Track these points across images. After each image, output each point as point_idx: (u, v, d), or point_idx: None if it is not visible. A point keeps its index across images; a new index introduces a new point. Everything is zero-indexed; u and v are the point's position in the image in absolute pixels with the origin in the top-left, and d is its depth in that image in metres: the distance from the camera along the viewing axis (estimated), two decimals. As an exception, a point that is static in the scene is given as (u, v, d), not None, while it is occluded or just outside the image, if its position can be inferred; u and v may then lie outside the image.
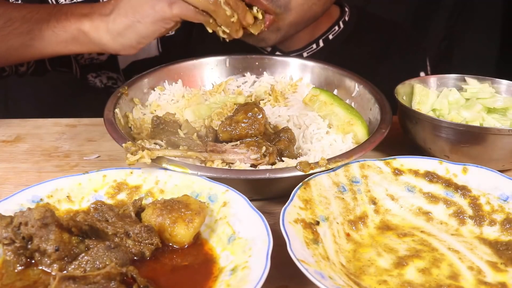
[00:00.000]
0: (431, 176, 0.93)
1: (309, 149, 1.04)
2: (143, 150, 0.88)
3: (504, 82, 1.18)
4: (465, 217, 0.89)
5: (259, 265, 0.69)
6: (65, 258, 0.73)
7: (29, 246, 0.74)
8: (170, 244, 0.79)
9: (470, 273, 0.77)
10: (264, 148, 0.97)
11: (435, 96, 1.16)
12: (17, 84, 2.21)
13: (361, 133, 1.06)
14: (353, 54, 1.50)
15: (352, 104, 1.19)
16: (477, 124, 1.08)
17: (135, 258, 0.76)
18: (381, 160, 0.95)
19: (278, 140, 1.02)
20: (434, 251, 0.82)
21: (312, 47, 1.47)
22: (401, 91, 1.15)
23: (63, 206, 0.86)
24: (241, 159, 0.96)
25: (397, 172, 0.94)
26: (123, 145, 0.90)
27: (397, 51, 1.57)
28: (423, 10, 2.86)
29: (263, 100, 1.21)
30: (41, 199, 0.85)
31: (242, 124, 1.00)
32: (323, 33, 1.48)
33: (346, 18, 1.52)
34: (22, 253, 0.74)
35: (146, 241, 0.76)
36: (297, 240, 0.75)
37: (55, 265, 0.72)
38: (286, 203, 0.81)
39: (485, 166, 0.92)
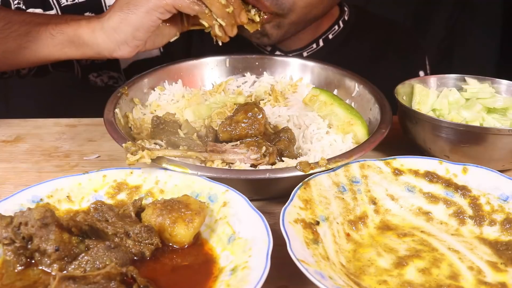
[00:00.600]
0: (431, 176, 0.93)
1: (309, 149, 1.04)
2: (143, 150, 0.88)
3: (504, 82, 1.18)
4: (465, 217, 0.89)
5: (259, 265, 0.69)
6: (65, 258, 0.73)
7: (29, 246, 0.74)
8: (170, 244, 0.79)
9: (470, 273, 0.77)
10: (264, 148, 0.97)
11: (435, 96, 1.16)
12: (17, 85, 2.22)
13: (361, 133, 1.06)
14: (352, 53, 1.50)
15: (352, 104, 1.19)
16: (477, 124, 1.08)
17: (135, 258, 0.76)
18: (381, 160, 0.95)
19: (278, 140, 1.02)
20: (434, 251, 0.82)
21: (312, 47, 1.47)
22: (401, 91, 1.15)
23: (63, 206, 0.86)
24: (241, 159, 0.96)
25: (397, 172, 0.94)
26: (123, 145, 0.90)
27: (396, 51, 1.57)
28: (423, 10, 2.86)
29: (263, 100, 1.21)
30: (41, 199, 0.85)
31: (242, 124, 1.00)
32: (323, 33, 1.48)
33: (346, 18, 1.52)
34: (22, 253, 0.74)
35: (146, 241, 0.76)
36: (297, 240, 0.75)
37: (55, 265, 0.72)
38: (286, 203, 0.81)
39: (485, 166, 0.92)
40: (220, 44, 1.16)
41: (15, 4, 1.32)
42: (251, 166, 0.97)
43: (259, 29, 1.22)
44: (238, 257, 0.74)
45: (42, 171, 1.07)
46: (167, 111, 1.12)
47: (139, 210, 0.83)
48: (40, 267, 0.73)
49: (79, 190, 0.88)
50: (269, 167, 0.97)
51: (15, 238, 0.73)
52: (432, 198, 0.92)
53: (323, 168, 0.89)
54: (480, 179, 0.91)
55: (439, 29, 2.91)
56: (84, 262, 0.71)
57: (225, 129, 1.01)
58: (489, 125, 1.07)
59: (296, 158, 1.00)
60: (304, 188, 0.86)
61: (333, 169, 0.91)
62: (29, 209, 0.75)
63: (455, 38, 2.96)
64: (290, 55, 1.44)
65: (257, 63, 1.34)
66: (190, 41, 1.47)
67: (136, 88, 1.20)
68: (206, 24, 1.12)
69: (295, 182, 0.86)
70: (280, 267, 0.73)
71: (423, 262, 0.79)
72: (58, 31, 1.12)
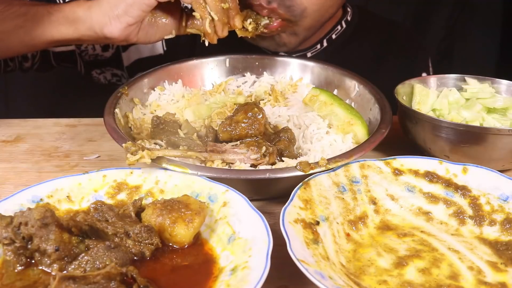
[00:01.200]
0: (431, 176, 0.93)
1: (309, 149, 1.04)
2: (143, 150, 0.88)
3: (504, 82, 1.18)
4: (465, 217, 0.89)
5: (259, 265, 0.69)
6: (65, 258, 0.73)
7: (29, 246, 0.74)
8: (170, 244, 0.79)
9: (470, 273, 0.77)
10: (264, 148, 0.97)
11: (435, 96, 1.16)
12: (18, 83, 2.22)
13: (361, 133, 1.06)
14: (355, 53, 1.50)
15: (352, 104, 1.19)
16: (477, 124, 1.08)
17: (135, 258, 0.76)
18: (381, 160, 0.95)
19: (278, 140, 1.02)
20: (434, 251, 0.82)
21: (316, 47, 1.47)
22: (401, 91, 1.15)
23: (63, 206, 0.86)
24: (241, 159, 0.96)
25: (397, 172, 0.94)
26: (123, 145, 0.90)
27: (399, 52, 1.57)
28: (423, 10, 2.86)
29: (263, 100, 1.21)
30: (41, 199, 0.85)
31: (242, 124, 1.00)
32: (326, 33, 1.48)
33: (349, 18, 1.53)
34: (22, 253, 0.74)
35: (146, 241, 0.76)
36: (297, 240, 0.75)
37: (55, 265, 0.72)
38: (286, 203, 0.81)
39: (485, 166, 0.92)
40: (207, 44, 1.14)
41: None
42: (251, 166, 0.97)
43: (249, 37, 1.22)
44: (238, 257, 0.74)
45: (42, 171, 1.07)
46: (167, 111, 1.12)
47: (139, 210, 0.83)
48: (40, 267, 0.73)
49: (79, 190, 0.88)
50: (269, 167, 0.97)
51: (15, 238, 0.73)
52: (432, 198, 0.92)
53: (323, 168, 0.89)
54: (480, 179, 0.91)
55: (439, 29, 2.91)
56: (84, 262, 0.71)
57: (225, 129, 1.01)
58: (489, 125, 1.07)
59: (296, 158, 1.00)
60: (304, 188, 0.86)
61: (333, 169, 0.91)
62: (29, 209, 0.75)
63: (455, 38, 2.96)
64: (294, 56, 1.45)
65: (257, 63, 1.35)
66: (195, 41, 1.47)
67: (136, 88, 1.20)
68: (198, 16, 1.09)
69: (295, 182, 0.86)
70: (280, 267, 0.73)
71: (423, 262, 0.79)
72: (56, 9, 1.12)
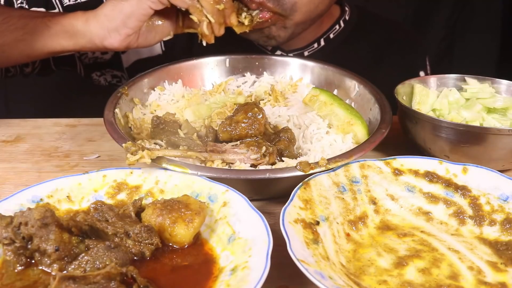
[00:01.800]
0: (431, 176, 0.93)
1: (309, 149, 1.04)
2: (143, 150, 0.88)
3: (504, 82, 1.18)
4: (465, 217, 0.89)
5: (259, 265, 0.69)
6: (65, 258, 0.73)
7: (29, 246, 0.74)
8: (170, 244, 0.79)
9: (470, 273, 0.77)
10: (264, 148, 0.97)
11: (435, 96, 1.16)
12: (18, 84, 2.21)
13: (361, 133, 1.06)
14: (353, 53, 1.51)
15: (352, 104, 1.19)
16: (477, 124, 1.08)
17: (135, 258, 0.76)
18: (381, 160, 0.95)
19: (278, 140, 1.02)
20: (434, 251, 0.82)
21: (313, 46, 1.47)
22: (401, 91, 1.15)
23: (63, 206, 0.86)
24: (241, 159, 0.96)
25: (397, 172, 0.94)
26: (123, 145, 0.90)
27: (397, 51, 1.57)
28: (423, 10, 2.86)
29: (263, 100, 1.21)
30: (41, 199, 0.85)
31: (242, 124, 1.00)
32: (324, 32, 1.48)
33: (347, 17, 1.53)
34: (22, 253, 0.74)
35: (146, 241, 0.76)
36: (297, 240, 0.75)
37: (55, 265, 0.72)
38: (286, 203, 0.81)
39: (485, 166, 0.92)
40: (205, 44, 1.15)
41: (18, 3, 1.33)
42: (251, 166, 0.97)
43: (247, 31, 1.22)
44: (238, 257, 0.74)
45: (42, 171, 1.07)
46: (167, 111, 1.12)
47: (139, 210, 0.83)
48: (40, 267, 0.73)
49: (79, 190, 0.88)
50: (269, 167, 0.97)
51: (15, 238, 0.73)
52: (432, 198, 0.92)
53: (323, 168, 0.89)
54: (480, 179, 0.91)
55: (439, 29, 2.91)
56: (84, 262, 0.71)
57: (225, 129, 1.01)
58: (489, 125, 1.07)
59: (296, 158, 1.00)
60: (304, 188, 0.86)
61: (333, 169, 0.91)
62: (29, 209, 0.75)
63: (455, 38, 2.96)
64: (291, 54, 1.44)
65: (257, 63, 1.34)
66: (191, 41, 1.47)
67: (136, 88, 1.20)
68: (195, 19, 1.10)
69: (295, 182, 0.86)
70: (280, 267, 0.73)
71: (423, 262, 0.79)
72: (54, 22, 1.13)
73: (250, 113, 1.01)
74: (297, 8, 1.24)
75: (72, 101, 1.99)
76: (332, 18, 1.51)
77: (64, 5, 1.38)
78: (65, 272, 0.70)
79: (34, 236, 0.73)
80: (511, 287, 0.75)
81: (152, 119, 1.05)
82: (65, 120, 1.30)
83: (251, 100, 1.20)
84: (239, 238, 0.77)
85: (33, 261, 0.74)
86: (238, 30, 1.19)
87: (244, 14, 1.19)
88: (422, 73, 1.55)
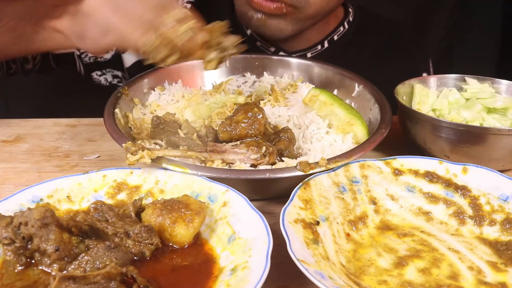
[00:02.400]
0: (431, 176, 0.93)
1: (309, 149, 1.04)
2: (143, 150, 0.88)
3: (504, 82, 1.18)
4: (465, 217, 0.89)
5: (259, 265, 0.69)
6: (65, 258, 0.73)
7: (29, 246, 0.74)
8: (170, 244, 0.79)
9: (470, 273, 0.77)
10: (264, 148, 0.97)
11: (435, 96, 1.16)
12: (18, 84, 2.21)
13: (361, 133, 1.06)
14: (356, 55, 1.51)
15: (352, 104, 1.19)
16: (477, 124, 1.08)
17: (135, 258, 0.76)
18: (381, 160, 0.95)
19: (278, 140, 1.02)
20: (434, 251, 0.82)
21: (316, 48, 1.47)
22: (401, 91, 1.15)
23: (63, 206, 0.86)
24: (241, 159, 0.96)
25: (397, 172, 0.94)
26: (123, 145, 0.90)
27: (400, 52, 1.57)
28: (423, 10, 2.86)
29: (263, 100, 1.21)
30: (41, 199, 0.85)
31: (242, 124, 1.00)
32: (328, 34, 1.49)
33: (351, 19, 1.53)
34: (22, 253, 0.74)
35: (146, 241, 0.76)
36: (297, 240, 0.75)
37: (55, 265, 0.72)
38: (286, 203, 0.81)
39: (485, 166, 0.92)
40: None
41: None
42: (251, 166, 0.97)
43: (215, 68, 1.00)
44: (238, 257, 0.74)
45: (42, 171, 1.07)
46: (167, 111, 1.12)
47: (139, 210, 0.83)
48: (40, 267, 0.73)
49: (79, 190, 0.88)
50: (269, 167, 0.97)
51: (15, 238, 0.73)
52: (432, 198, 0.92)
53: (323, 168, 0.89)
54: (480, 179, 0.91)
55: (439, 29, 2.91)
56: (84, 262, 0.71)
57: (225, 129, 1.01)
58: (489, 125, 1.07)
59: (296, 158, 1.00)
60: (304, 188, 0.86)
61: (333, 169, 0.91)
62: (29, 209, 0.75)
63: (455, 38, 2.96)
64: (294, 56, 1.45)
65: (257, 63, 1.34)
66: None
67: (136, 88, 1.20)
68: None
69: (295, 182, 0.86)
70: (280, 267, 0.73)
71: (423, 262, 0.79)
72: (40, 27, 1.05)
73: (250, 113, 1.01)
74: (312, 2, 1.27)
75: (73, 101, 1.99)
76: (337, 19, 1.52)
77: (84, 63, 1.45)
78: (65, 272, 0.70)
79: (34, 236, 0.73)
80: (511, 287, 0.75)
81: (152, 119, 1.05)
82: (65, 120, 1.30)
83: (251, 100, 1.20)
84: (239, 238, 0.77)
85: (33, 261, 0.74)
86: (205, 66, 1.00)
87: (214, 54, 0.96)
88: (425, 74, 1.55)
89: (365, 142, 0.98)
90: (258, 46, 1.44)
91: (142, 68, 1.28)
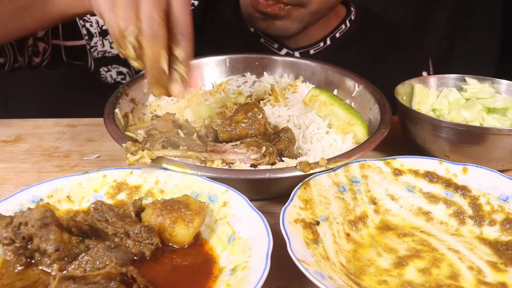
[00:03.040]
0: (431, 176, 0.93)
1: (309, 149, 1.04)
2: (143, 150, 0.88)
3: (504, 82, 1.18)
4: (465, 217, 0.89)
5: (259, 265, 0.69)
6: (65, 258, 0.73)
7: (29, 246, 0.74)
8: (170, 244, 0.79)
9: (470, 273, 0.77)
10: (264, 148, 0.97)
11: (435, 96, 1.16)
12: (19, 81, 2.21)
13: (361, 133, 1.06)
14: (358, 53, 1.52)
15: (352, 104, 1.20)
16: (477, 124, 1.08)
17: (135, 258, 0.76)
18: (381, 160, 0.95)
19: (278, 140, 1.02)
20: (434, 251, 0.82)
21: (319, 45, 1.48)
22: (401, 91, 1.15)
23: (63, 206, 0.86)
24: (241, 159, 0.96)
25: (397, 172, 0.94)
26: (123, 145, 0.90)
27: (400, 51, 1.58)
28: (423, 10, 2.86)
29: (263, 100, 1.21)
30: (41, 199, 0.85)
31: (242, 124, 1.00)
32: (330, 31, 1.50)
33: (352, 17, 1.54)
34: (22, 253, 0.74)
35: (146, 241, 0.76)
36: (297, 240, 0.75)
37: (55, 265, 0.72)
38: (286, 203, 0.81)
39: (485, 166, 0.92)
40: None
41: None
42: (251, 166, 0.97)
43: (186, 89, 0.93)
44: (238, 257, 0.74)
45: (42, 171, 1.07)
46: (167, 111, 1.12)
47: (139, 210, 0.83)
48: (40, 267, 0.73)
49: (79, 190, 0.88)
50: (269, 167, 0.97)
51: (15, 238, 0.73)
52: (432, 198, 0.92)
53: (323, 168, 0.89)
54: (480, 179, 0.91)
55: (439, 29, 2.91)
56: (84, 262, 0.71)
57: (225, 129, 1.01)
58: (489, 125, 1.07)
59: (296, 158, 1.00)
60: (304, 188, 0.86)
61: (333, 169, 0.91)
62: (29, 209, 0.74)
63: (455, 38, 2.97)
64: (297, 52, 1.45)
65: (257, 63, 1.35)
66: (196, 38, 1.47)
67: (136, 88, 1.20)
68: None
69: (295, 182, 0.86)
70: (280, 267, 0.73)
71: (423, 262, 0.79)
72: None
73: (250, 113, 1.01)
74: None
75: (75, 99, 1.99)
76: (339, 18, 1.53)
77: (93, 58, 1.46)
78: (65, 272, 0.70)
79: (34, 236, 0.73)
80: (511, 287, 0.75)
81: (152, 119, 1.05)
82: (65, 120, 1.30)
83: (251, 100, 1.20)
84: (239, 238, 0.77)
85: (33, 261, 0.74)
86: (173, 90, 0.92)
87: (179, 72, 0.93)
88: (425, 74, 1.56)
89: (365, 142, 0.98)
90: (262, 43, 1.45)
91: None
